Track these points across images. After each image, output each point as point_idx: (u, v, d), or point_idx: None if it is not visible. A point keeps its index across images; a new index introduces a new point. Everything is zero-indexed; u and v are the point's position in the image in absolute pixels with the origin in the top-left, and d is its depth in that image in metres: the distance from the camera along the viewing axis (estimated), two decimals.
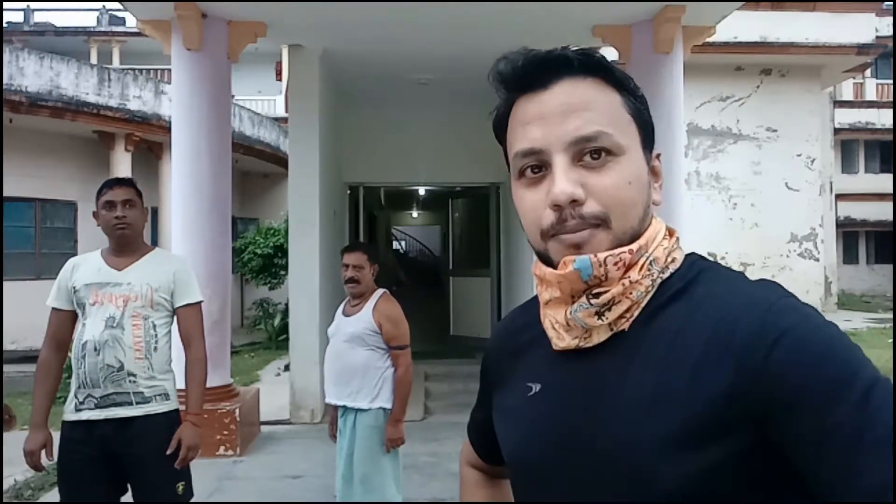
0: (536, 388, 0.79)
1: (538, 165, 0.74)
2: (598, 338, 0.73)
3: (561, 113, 0.72)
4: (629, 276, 0.72)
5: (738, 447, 0.62)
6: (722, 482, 0.63)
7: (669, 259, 0.75)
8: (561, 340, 0.76)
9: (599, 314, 0.72)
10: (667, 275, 0.74)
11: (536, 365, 0.81)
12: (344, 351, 3.21)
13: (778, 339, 0.62)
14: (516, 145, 0.76)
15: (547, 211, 0.72)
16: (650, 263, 0.73)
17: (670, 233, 0.79)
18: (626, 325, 0.73)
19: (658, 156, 0.79)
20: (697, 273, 0.74)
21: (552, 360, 0.78)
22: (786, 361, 0.61)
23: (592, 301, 0.72)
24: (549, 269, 0.74)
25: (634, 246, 0.72)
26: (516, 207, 0.79)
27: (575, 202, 0.70)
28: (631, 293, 0.72)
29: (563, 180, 0.70)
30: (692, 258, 0.78)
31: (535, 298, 0.88)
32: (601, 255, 0.71)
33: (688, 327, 0.69)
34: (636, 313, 0.72)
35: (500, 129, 0.82)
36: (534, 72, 0.74)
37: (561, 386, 0.76)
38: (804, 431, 0.59)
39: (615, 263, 0.71)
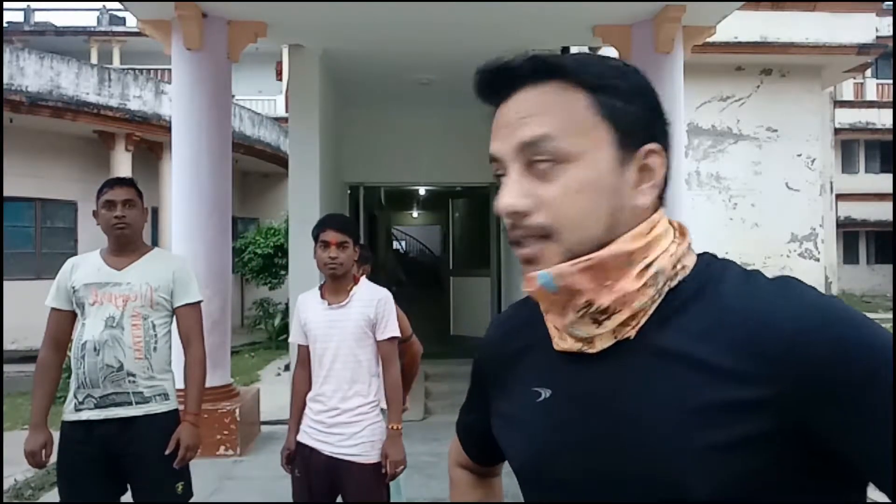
0: (546, 394, 0.75)
1: (503, 174, 0.73)
2: (602, 344, 0.71)
3: (517, 121, 0.71)
4: (622, 287, 0.68)
5: (774, 452, 0.61)
6: (756, 488, 0.62)
7: (679, 266, 0.71)
8: (563, 342, 0.74)
9: (597, 322, 0.70)
10: (675, 282, 0.70)
11: (542, 369, 0.77)
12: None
13: (811, 337, 0.60)
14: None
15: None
16: (656, 274, 0.69)
17: (682, 233, 0.75)
18: (631, 333, 0.70)
19: (651, 152, 0.72)
20: (713, 275, 0.71)
21: (558, 363, 0.75)
22: (824, 358, 0.59)
23: (588, 311, 0.70)
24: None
25: (605, 254, 0.68)
26: None
27: (518, 214, 0.69)
28: (632, 303, 0.69)
29: (506, 192, 0.70)
30: (706, 259, 0.74)
31: None
32: (555, 270, 0.69)
33: (712, 332, 0.65)
34: (643, 321, 0.70)
35: None
36: (495, 84, 0.74)
37: (574, 392, 0.73)
38: (848, 417, 0.59)
39: (579, 273, 0.68)
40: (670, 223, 0.75)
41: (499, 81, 0.74)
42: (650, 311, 0.70)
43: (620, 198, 0.71)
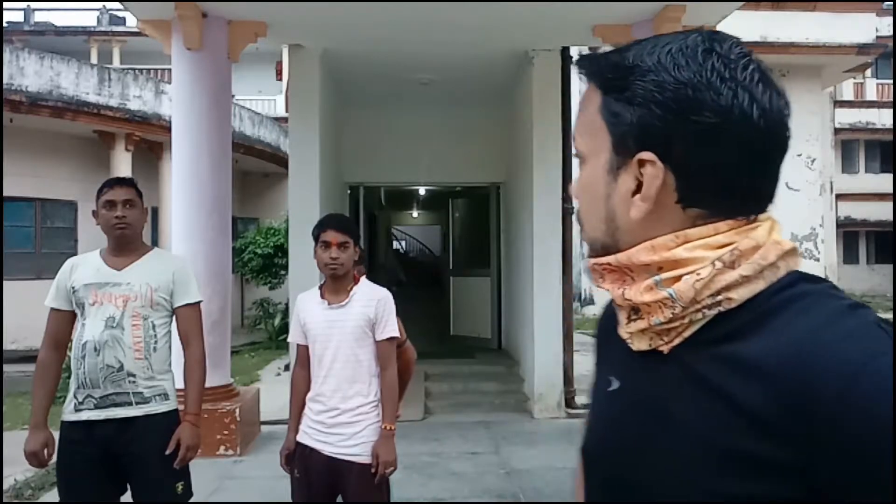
0: (616, 384, 0.75)
1: None
2: (638, 345, 0.69)
3: None
4: (630, 292, 0.68)
5: None
6: None
7: (721, 296, 0.63)
8: (621, 328, 0.73)
9: (630, 318, 0.70)
10: (713, 311, 0.64)
11: (617, 357, 0.76)
12: None
13: (854, 414, 0.53)
14: None
15: None
16: (672, 298, 0.64)
17: (753, 256, 0.64)
18: (664, 348, 0.67)
19: (643, 161, 0.66)
20: (777, 306, 0.62)
21: (630, 356, 0.72)
22: (861, 437, 0.53)
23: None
24: None
25: (611, 259, 0.70)
26: None
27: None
28: (649, 315, 0.66)
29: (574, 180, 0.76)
30: (789, 279, 0.65)
31: None
32: (587, 263, 0.73)
33: (751, 370, 0.59)
34: (676, 341, 0.66)
35: None
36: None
37: (632, 390, 0.72)
38: (863, 491, 0.54)
39: (601, 271, 0.72)
40: (754, 242, 0.65)
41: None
42: (685, 333, 0.66)
43: (612, 206, 0.69)
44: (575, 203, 0.76)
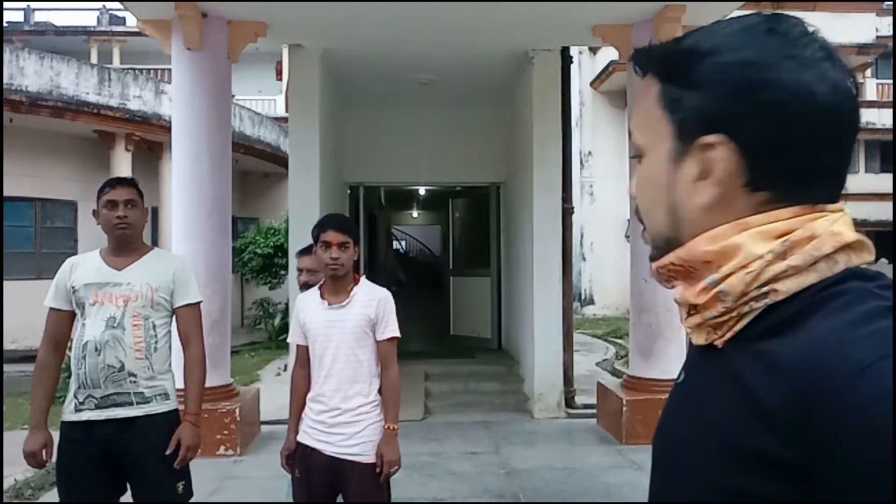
0: (681, 377, 0.75)
1: None
2: (697, 339, 0.69)
3: None
4: (684, 295, 0.68)
5: None
6: None
7: (766, 288, 0.62)
8: (683, 320, 0.73)
9: (689, 312, 0.69)
10: (760, 303, 0.62)
11: (690, 351, 0.75)
12: None
13: (845, 416, 0.52)
14: None
15: None
16: (725, 292, 0.63)
17: (809, 245, 0.61)
18: (718, 342, 0.66)
19: (708, 145, 0.64)
20: (818, 302, 0.60)
21: (695, 349, 0.72)
22: (872, 448, 0.51)
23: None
24: None
25: (672, 258, 0.69)
26: None
27: (632, 198, 0.75)
28: (703, 311, 0.66)
29: (632, 178, 0.74)
30: (843, 275, 0.61)
31: None
32: (653, 265, 0.72)
33: (779, 367, 0.58)
34: (728, 335, 0.65)
35: None
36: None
37: (687, 383, 0.73)
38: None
39: (661, 275, 0.72)
40: (811, 231, 0.62)
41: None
42: (736, 328, 0.64)
43: (676, 196, 0.68)
44: (633, 201, 0.75)
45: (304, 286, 3.08)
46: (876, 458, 0.50)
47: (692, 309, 0.67)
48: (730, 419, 0.60)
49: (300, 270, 3.13)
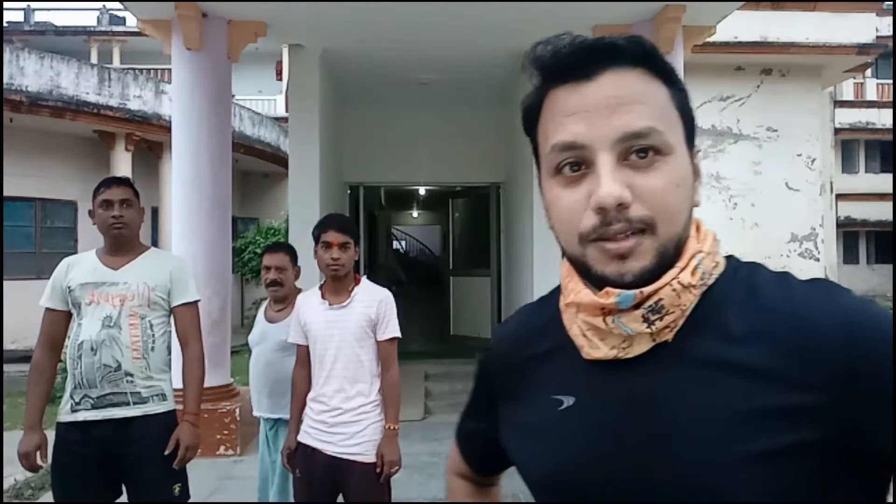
0: (569, 401, 0.72)
1: (578, 163, 0.67)
2: (640, 348, 0.67)
3: (608, 107, 0.66)
4: (679, 279, 0.66)
5: (819, 458, 0.60)
6: (798, 495, 0.61)
7: (713, 265, 0.69)
8: (595, 350, 0.69)
9: (648, 320, 0.66)
10: (711, 280, 0.68)
11: (563, 376, 0.73)
12: (277, 360, 2.99)
13: (863, 343, 0.60)
14: (553, 137, 0.68)
15: (588, 213, 0.66)
16: (703, 274, 0.67)
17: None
18: (669, 336, 0.67)
19: (697, 153, 0.72)
20: (745, 277, 0.69)
21: (583, 370, 0.71)
22: (876, 363, 0.59)
23: (642, 305, 0.66)
24: (587, 293, 0.69)
25: (680, 275, 0.67)
26: (546, 207, 0.72)
27: (621, 205, 0.64)
28: (684, 304, 0.66)
29: (611, 181, 0.64)
30: (734, 262, 0.72)
31: (548, 298, 0.81)
32: (646, 290, 0.65)
33: (755, 336, 0.63)
34: (681, 323, 0.67)
35: (531, 119, 0.74)
36: (579, 60, 0.68)
37: (602, 400, 0.69)
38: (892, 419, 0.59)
39: (666, 289, 0.67)
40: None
41: (586, 59, 0.68)
42: (686, 314, 0.67)
43: (693, 196, 0.70)
44: (648, 203, 0.66)
45: (272, 284, 3.02)
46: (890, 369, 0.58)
47: (652, 315, 0.66)
48: (730, 394, 0.62)
49: (267, 268, 3.02)
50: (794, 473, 0.60)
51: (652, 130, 0.66)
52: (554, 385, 0.74)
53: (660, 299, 0.66)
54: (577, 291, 0.71)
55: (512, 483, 0.84)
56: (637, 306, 0.66)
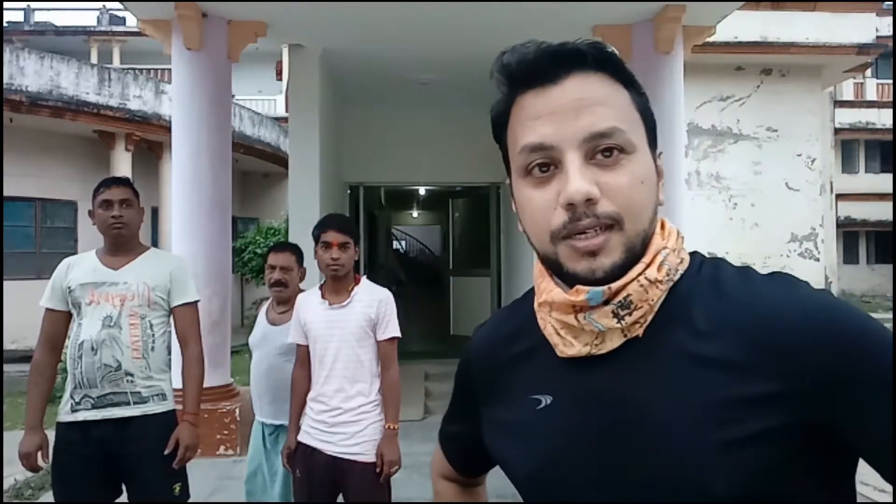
0: (547, 400, 0.74)
1: (546, 164, 0.70)
2: (612, 344, 0.70)
3: (574, 108, 0.69)
4: (646, 275, 0.68)
5: (790, 446, 0.62)
6: (772, 483, 0.62)
7: (678, 261, 0.72)
8: (569, 347, 0.72)
9: (618, 316, 0.68)
10: (677, 276, 0.71)
11: (540, 376, 0.76)
12: (279, 365, 2.87)
13: (823, 331, 0.62)
14: (522, 140, 0.71)
15: (558, 211, 0.68)
16: (669, 270, 0.70)
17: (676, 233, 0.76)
18: (640, 331, 0.69)
19: (660, 154, 0.76)
20: (709, 272, 0.72)
21: (559, 369, 0.73)
22: (836, 351, 0.61)
23: (612, 301, 0.68)
24: (558, 292, 0.71)
25: (646, 270, 0.69)
26: (518, 208, 0.74)
27: (590, 201, 0.67)
28: (652, 299, 0.68)
29: (579, 178, 0.67)
30: (698, 258, 0.75)
31: (522, 300, 0.84)
32: (614, 286, 0.68)
33: (720, 328, 0.66)
34: (650, 318, 0.69)
35: (500, 126, 0.78)
36: (545, 65, 0.70)
37: (578, 396, 0.72)
38: (860, 407, 0.60)
39: (633, 284, 0.69)
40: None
41: (550, 64, 0.70)
42: (655, 309, 0.69)
43: (657, 194, 0.73)
44: (615, 199, 0.68)
45: (276, 284, 2.95)
46: (864, 363, 0.61)
47: (621, 310, 0.68)
48: (702, 387, 0.64)
49: (272, 268, 2.96)
50: (766, 460, 0.62)
51: (616, 130, 0.68)
52: (532, 385, 0.77)
53: (628, 295, 0.68)
54: (549, 290, 0.73)
55: (498, 483, 0.84)
56: (607, 302, 0.68)
